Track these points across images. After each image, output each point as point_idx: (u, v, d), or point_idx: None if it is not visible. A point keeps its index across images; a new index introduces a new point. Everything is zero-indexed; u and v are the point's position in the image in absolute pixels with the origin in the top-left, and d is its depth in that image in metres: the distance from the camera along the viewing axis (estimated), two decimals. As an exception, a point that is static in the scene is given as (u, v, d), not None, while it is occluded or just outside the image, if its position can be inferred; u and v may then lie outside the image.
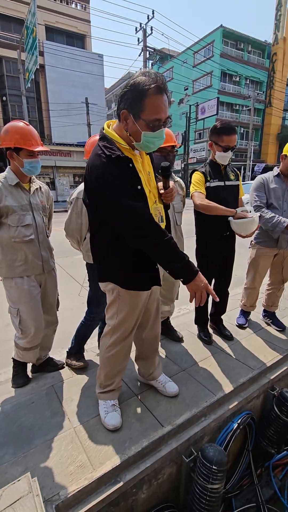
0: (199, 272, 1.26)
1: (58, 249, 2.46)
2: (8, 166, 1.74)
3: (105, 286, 1.49)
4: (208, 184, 2.09)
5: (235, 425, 1.73)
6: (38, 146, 1.67)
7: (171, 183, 1.43)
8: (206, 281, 1.27)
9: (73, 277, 4.42)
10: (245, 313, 2.72)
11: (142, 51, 16.88)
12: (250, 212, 2.05)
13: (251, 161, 22.50)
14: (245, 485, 1.91)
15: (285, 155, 2.21)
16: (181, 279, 1.27)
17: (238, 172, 2.25)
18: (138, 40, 16.84)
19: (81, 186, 1.94)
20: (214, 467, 1.40)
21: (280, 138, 27.70)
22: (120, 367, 1.61)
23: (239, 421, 1.75)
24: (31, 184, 1.80)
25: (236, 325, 2.62)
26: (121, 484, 1.30)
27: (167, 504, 1.51)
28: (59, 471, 1.30)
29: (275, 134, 27.94)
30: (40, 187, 1.87)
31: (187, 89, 24.79)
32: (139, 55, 17.31)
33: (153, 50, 17.67)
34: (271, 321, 2.65)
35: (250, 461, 1.94)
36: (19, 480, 1.10)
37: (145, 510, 1.46)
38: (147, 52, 17.11)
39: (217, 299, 1.34)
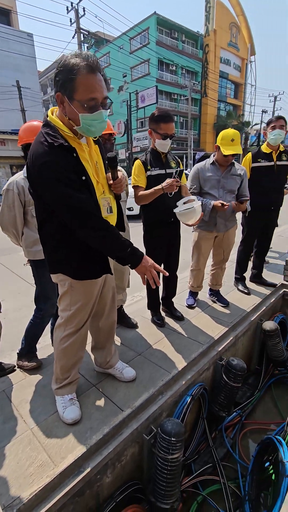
0: (144, 255, 1.32)
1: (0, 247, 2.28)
2: None
3: (56, 277, 1.45)
4: (149, 173, 2.13)
5: (190, 398, 1.86)
6: None
7: (120, 173, 1.42)
8: (152, 261, 1.33)
9: (19, 275, 4.15)
10: (193, 294, 2.88)
11: (75, 33, 16.00)
12: (195, 201, 2.15)
13: (192, 150, 23.44)
14: (202, 450, 2.08)
15: (218, 146, 2.34)
16: (129, 265, 1.30)
17: (179, 160, 2.32)
18: (71, 21, 15.89)
19: (13, 177, 1.82)
20: (173, 439, 1.50)
21: (216, 127, 29.30)
22: (76, 358, 1.59)
23: (193, 393, 1.89)
24: None
25: (186, 306, 2.77)
26: (84, 474, 1.31)
27: (132, 482, 1.58)
28: (18, 475, 1.26)
29: (212, 124, 29.45)
30: None
31: (125, 76, 24.43)
32: (72, 37, 16.40)
33: (87, 33, 16.88)
34: (216, 298, 2.87)
35: (205, 427, 2.11)
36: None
37: (111, 493, 1.50)
38: (81, 35, 16.28)
39: (167, 274, 1.41)
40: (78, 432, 1.45)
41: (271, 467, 1.94)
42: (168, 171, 2.17)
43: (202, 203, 2.26)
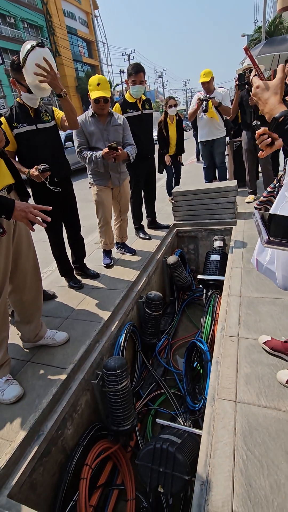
0: (14, 200, 1.23)
1: None
2: None
3: None
4: (16, 130, 1.92)
5: (123, 336, 2.03)
6: None
7: None
8: (27, 203, 1.24)
9: None
10: (108, 253, 2.90)
11: None
12: None
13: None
14: (145, 376, 2.37)
15: (94, 100, 2.28)
16: (3, 216, 1.20)
17: (54, 109, 2.13)
18: None
19: None
20: (118, 371, 1.65)
21: (80, 90, 27.90)
22: (1, 337, 1.49)
23: (125, 332, 2.07)
24: None
25: (104, 266, 2.80)
26: (45, 434, 1.33)
27: (92, 425, 1.69)
28: (-28, 469, 1.16)
29: (74, 87, 27.82)
30: None
31: None
32: None
33: None
34: (124, 250, 3.05)
35: (142, 358, 2.38)
36: None
37: (76, 441, 1.57)
38: None
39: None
40: (25, 405, 1.42)
41: (198, 365, 2.40)
42: (40, 126, 1.99)
43: (88, 158, 2.28)
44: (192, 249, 3.77)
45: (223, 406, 1.34)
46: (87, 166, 2.51)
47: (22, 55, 1.66)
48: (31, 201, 2.21)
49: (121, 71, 31.11)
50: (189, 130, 16.06)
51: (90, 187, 2.64)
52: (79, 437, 1.59)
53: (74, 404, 1.55)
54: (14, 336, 1.87)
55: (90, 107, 2.43)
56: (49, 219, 1.27)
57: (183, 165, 4.78)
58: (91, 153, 2.39)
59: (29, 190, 1.83)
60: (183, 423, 1.96)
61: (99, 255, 3.05)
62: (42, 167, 1.89)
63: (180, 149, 4.49)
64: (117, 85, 31.76)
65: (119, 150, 2.28)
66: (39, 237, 2.44)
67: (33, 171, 1.90)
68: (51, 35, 25.90)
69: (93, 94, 2.26)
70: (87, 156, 2.39)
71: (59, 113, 2.12)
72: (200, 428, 1.78)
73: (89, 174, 2.58)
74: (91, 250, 3.21)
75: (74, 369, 1.62)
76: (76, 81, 28.13)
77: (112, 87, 30.41)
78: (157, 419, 1.86)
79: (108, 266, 2.81)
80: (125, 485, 1.63)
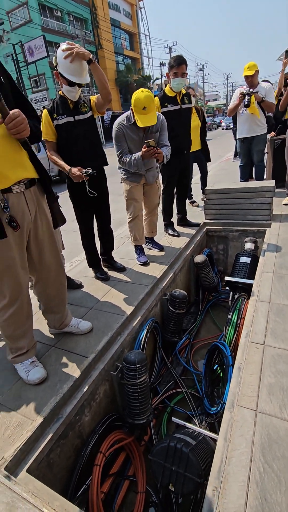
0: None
1: None
2: None
3: None
4: (56, 122, 1.99)
5: (145, 331, 2.04)
6: None
7: (15, 110, 1.16)
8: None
9: None
10: (141, 250, 2.82)
11: None
12: None
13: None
14: (163, 373, 2.37)
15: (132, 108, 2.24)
16: None
17: (91, 97, 2.14)
18: None
19: None
20: (137, 365, 1.66)
21: (119, 84, 28.05)
22: (24, 328, 1.55)
23: (147, 327, 2.08)
24: None
25: (140, 264, 2.72)
26: (64, 418, 1.38)
27: (109, 415, 1.73)
28: (-4, 441, 1.25)
29: (113, 80, 28.00)
30: None
31: (2, 23, 20.65)
32: None
33: None
34: (151, 245, 3.05)
35: (162, 355, 2.38)
36: None
37: (92, 428, 1.62)
38: None
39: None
40: (48, 388, 1.48)
41: (219, 368, 2.35)
42: (78, 117, 2.04)
43: (128, 162, 2.35)
44: (221, 250, 3.67)
45: (242, 414, 1.30)
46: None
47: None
48: (65, 195, 2.29)
49: (162, 64, 30.74)
50: (216, 129, 15.41)
51: (122, 182, 2.66)
52: (95, 424, 1.63)
53: (93, 392, 1.60)
54: (42, 320, 1.95)
55: (130, 112, 2.35)
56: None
57: (209, 162, 4.58)
58: (130, 156, 2.37)
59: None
60: (199, 424, 1.94)
61: (126, 249, 3.07)
62: (88, 171, 1.95)
63: (202, 145, 4.27)
64: (156, 79, 31.45)
65: (158, 149, 2.23)
66: (70, 227, 2.51)
67: (76, 171, 1.95)
68: (95, 28, 26.19)
69: (140, 122, 2.16)
70: (126, 160, 2.38)
71: (92, 99, 2.12)
72: (216, 432, 1.75)
73: (121, 170, 2.58)
74: (119, 243, 3.24)
75: (95, 358, 1.66)
76: (116, 74, 28.26)
77: (152, 81, 30.22)
78: (172, 418, 1.86)
79: (144, 264, 2.70)
80: (137, 477, 1.65)
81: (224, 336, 2.58)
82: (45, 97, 20.12)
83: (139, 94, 2.17)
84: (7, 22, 21.90)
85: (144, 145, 2.23)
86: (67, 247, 2.57)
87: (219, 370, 2.33)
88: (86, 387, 1.53)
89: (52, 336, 1.90)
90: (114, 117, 25.65)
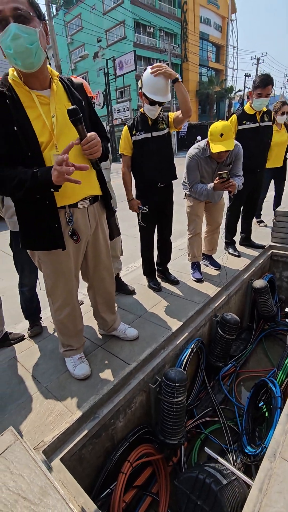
0: (48, 168, 1.19)
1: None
2: None
3: (29, 252, 1.49)
4: (134, 138, 2.13)
5: (189, 350, 2.00)
6: None
7: (92, 133, 1.26)
8: (59, 168, 1.13)
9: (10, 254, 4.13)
10: (197, 266, 2.78)
11: (42, -9, 14.62)
12: None
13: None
14: (202, 397, 2.28)
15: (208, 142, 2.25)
16: (50, 188, 1.20)
17: (169, 114, 2.20)
18: (35, -22, 14.44)
19: None
20: (176, 384, 1.64)
21: (199, 95, 28.23)
22: (76, 330, 1.67)
23: (192, 347, 2.03)
24: None
25: (194, 280, 2.66)
26: (100, 418, 1.44)
27: (142, 426, 1.74)
28: (39, 424, 1.37)
29: (194, 91, 28.31)
30: None
31: (100, 40, 22.82)
32: (39, -3, 14.96)
33: (55, -8, 15.46)
34: (209, 262, 2.98)
35: (204, 377, 2.30)
36: (2, 435, 1.14)
37: (124, 435, 1.65)
38: (49, -6, 14.90)
39: (87, 167, 1.20)
40: (90, 385, 1.57)
41: (265, 406, 2.16)
42: (155, 133, 2.13)
43: (199, 191, 2.37)
44: (286, 277, 3.37)
45: (284, 469, 1.17)
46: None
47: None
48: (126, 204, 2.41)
49: (246, 75, 29.87)
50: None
51: (185, 198, 2.67)
52: (127, 432, 1.66)
53: (129, 400, 1.63)
54: (94, 319, 2.07)
55: (205, 144, 2.32)
56: (87, 168, 1.19)
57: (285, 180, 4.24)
58: (202, 186, 2.37)
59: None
60: (233, 462, 1.81)
61: (182, 262, 3.06)
62: (145, 210, 2.25)
63: (284, 162, 3.99)
64: (239, 90, 30.69)
65: (231, 182, 2.18)
66: (131, 233, 2.62)
67: (135, 204, 2.25)
68: (183, 42, 26.93)
69: (214, 147, 2.15)
70: (197, 189, 2.40)
71: (171, 116, 2.19)
72: (251, 476, 1.62)
73: (185, 186, 2.58)
74: (176, 255, 3.25)
75: (136, 367, 1.70)
76: (197, 85, 28.53)
77: (233, 92, 29.61)
78: (205, 447, 1.77)
79: (199, 281, 2.65)
80: (159, 497, 1.63)
81: (275, 373, 2.36)
82: (127, 107, 21.42)
83: (216, 123, 2.20)
84: (104, 39, 24.13)
85: (217, 177, 2.21)
86: (125, 252, 2.69)
87: (265, 409, 2.15)
88: (124, 394, 1.57)
89: (100, 336, 2.00)
90: (190, 127, 25.92)
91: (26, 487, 1.00)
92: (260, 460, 1.71)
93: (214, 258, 3.00)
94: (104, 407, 1.50)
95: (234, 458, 1.86)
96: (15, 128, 1.16)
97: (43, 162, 1.23)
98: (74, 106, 1.16)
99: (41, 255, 1.42)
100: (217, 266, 2.90)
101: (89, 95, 1.91)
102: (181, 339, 2.00)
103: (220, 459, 1.63)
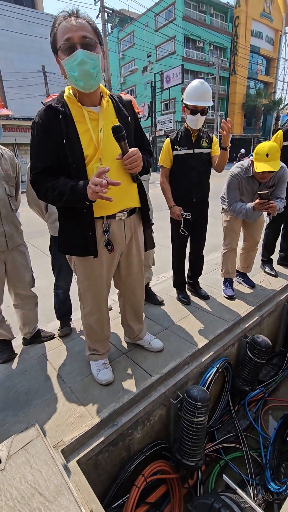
0: (84, 183, 1.23)
1: (32, 229, 2.41)
2: None
3: (67, 257, 1.56)
4: (175, 152, 2.15)
5: (215, 369, 1.94)
6: None
7: (134, 149, 1.30)
8: (94, 183, 1.17)
9: (49, 255, 4.37)
10: (230, 283, 2.70)
11: (99, 12, 15.66)
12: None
13: (219, 132, 22.52)
14: (225, 420, 2.18)
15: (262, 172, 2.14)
16: (86, 202, 1.25)
17: (214, 136, 2.23)
18: (95, 0, 15.53)
19: None
20: (198, 403, 1.59)
21: (245, 108, 27.79)
22: (103, 336, 1.71)
23: (218, 366, 1.97)
24: None
25: (226, 297, 2.59)
26: (118, 426, 1.45)
27: (159, 441, 1.71)
28: (60, 422, 1.42)
29: (240, 104, 27.93)
30: (2, 154, 1.74)
31: (150, 55, 23.68)
32: (96, 17, 16.03)
33: (111, 11, 16.44)
34: (242, 279, 2.87)
35: (228, 400, 2.20)
36: (27, 428, 1.20)
37: (141, 447, 1.64)
38: (106, 14, 15.91)
39: (119, 183, 1.22)
40: (111, 392, 1.59)
41: (293, 441, 2.00)
42: (197, 151, 2.15)
43: (238, 209, 2.33)
44: None
45: (310, 514, 1.07)
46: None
47: None
48: (161, 214, 2.44)
49: (297, 88, 28.71)
50: None
51: (222, 212, 2.62)
52: (144, 445, 1.65)
53: (149, 412, 1.62)
54: (121, 326, 2.11)
55: (249, 164, 2.27)
56: (118, 184, 1.23)
57: None
58: (241, 204, 2.31)
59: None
60: (253, 497, 1.70)
61: (215, 277, 3.00)
62: (188, 216, 2.23)
63: None
64: (287, 104, 29.60)
65: (271, 203, 2.09)
66: (165, 243, 2.63)
67: (177, 210, 2.22)
68: (233, 55, 26.85)
69: (258, 166, 2.08)
70: (236, 208, 2.34)
71: (215, 148, 2.20)
72: (273, 516, 1.50)
73: (224, 199, 2.53)
74: (208, 269, 3.19)
75: (159, 380, 1.68)
76: (244, 98, 28.12)
77: (282, 105, 28.65)
78: (223, 475, 1.69)
79: (231, 298, 2.56)
80: (171, 518, 1.58)
81: (308, 406, 2.19)
82: (170, 119, 21.78)
83: (263, 143, 2.13)
84: (154, 54, 24.98)
85: (258, 197, 2.14)
86: (158, 262, 2.70)
87: (293, 444, 1.99)
88: (144, 405, 1.57)
89: (126, 344, 2.03)
90: (234, 140, 25.48)
91: (43, 483, 1.04)
92: (284, 499, 1.58)
93: (248, 276, 2.89)
94: (123, 415, 1.50)
95: (255, 493, 1.74)
96: (64, 141, 1.25)
97: (86, 174, 1.30)
98: (118, 124, 1.21)
99: (76, 261, 1.49)
100: (251, 284, 2.79)
101: (136, 110, 2.00)
102: (207, 356, 1.95)
103: (239, 491, 1.54)
